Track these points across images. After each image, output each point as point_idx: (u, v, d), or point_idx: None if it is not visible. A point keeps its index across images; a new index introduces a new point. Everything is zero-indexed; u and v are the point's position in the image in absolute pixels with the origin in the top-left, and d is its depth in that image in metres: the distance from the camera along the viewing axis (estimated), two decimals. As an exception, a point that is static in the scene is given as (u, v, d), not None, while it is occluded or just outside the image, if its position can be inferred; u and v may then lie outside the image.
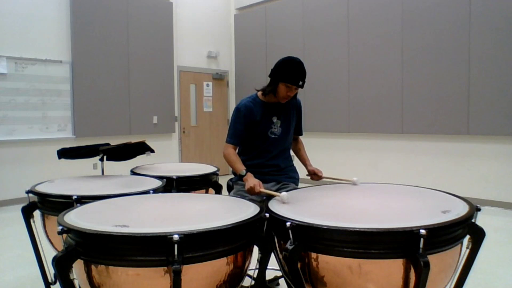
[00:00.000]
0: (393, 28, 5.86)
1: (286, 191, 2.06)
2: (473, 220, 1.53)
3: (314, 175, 2.43)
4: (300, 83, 2.22)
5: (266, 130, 2.40)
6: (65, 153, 2.87)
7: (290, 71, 2.21)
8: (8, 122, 5.54)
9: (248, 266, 1.62)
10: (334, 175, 2.29)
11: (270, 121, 2.41)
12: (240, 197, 2.01)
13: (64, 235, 1.41)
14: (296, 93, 2.39)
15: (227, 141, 2.39)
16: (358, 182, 2.14)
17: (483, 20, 5.07)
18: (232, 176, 2.54)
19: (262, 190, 2.03)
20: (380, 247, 1.34)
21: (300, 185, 2.46)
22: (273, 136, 2.42)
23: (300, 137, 2.68)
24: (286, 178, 2.45)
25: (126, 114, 6.64)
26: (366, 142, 6.40)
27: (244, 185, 2.33)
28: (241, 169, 2.24)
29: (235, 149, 2.39)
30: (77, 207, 1.77)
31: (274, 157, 2.44)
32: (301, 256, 1.47)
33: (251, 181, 2.10)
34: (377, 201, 1.79)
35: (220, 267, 1.43)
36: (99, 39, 6.26)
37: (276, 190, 2.35)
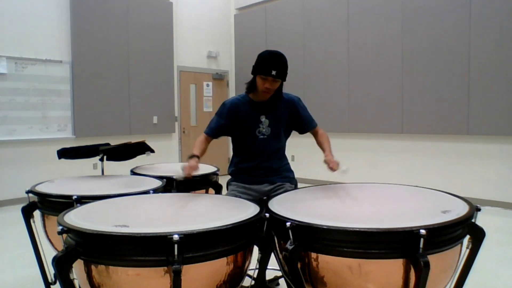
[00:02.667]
0: (393, 28, 5.86)
1: (281, 192, 2.06)
2: (473, 220, 1.53)
3: (328, 166, 2.16)
4: (274, 72, 2.15)
5: (253, 129, 2.34)
6: (65, 153, 2.87)
7: (262, 62, 2.18)
8: (8, 122, 5.54)
9: (248, 266, 1.62)
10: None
11: (258, 120, 2.34)
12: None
13: (64, 235, 1.41)
14: (280, 88, 2.30)
15: (204, 131, 2.36)
16: (347, 170, 2.00)
17: (483, 20, 5.07)
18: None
19: (189, 172, 2.02)
20: (380, 247, 1.34)
21: (300, 185, 2.46)
22: (261, 136, 2.35)
23: (302, 136, 2.55)
24: (279, 179, 2.41)
25: (126, 114, 6.64)
26: (366, 142, 6.40)
27: (237, 186, 2.37)
28: (193, 152, 2.19)
29: (208, 140, 2.34)
30: (77, 207, 1.77)
31: (266, 159, 2.38)
32: (301, 256, 1.47)
33: (189, 162, 2.06)
34: (377, 201, 1.79)
35: (220, 267, 1.43)
36: (99, 39, 6.26)
37: (270, 191, 2.33)
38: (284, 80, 2.28)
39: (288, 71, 2.26)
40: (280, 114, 2.37)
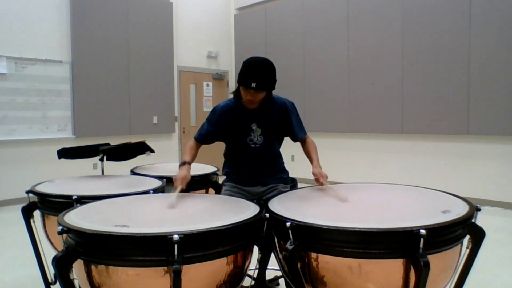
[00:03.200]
0: (393, 28, 5.86)
1: (275, 193, 2.04)
2: (473, 220, 1.53)
3: (317, 180, 2.11)
4: (253, 85, 1.98)
5: (244, 137, 2.24)
6: (65, 153, 2.87)
7: (243, 72, 2.03)
8: (8, 122, 5.54)
9: (248, 266, 1.62)
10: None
11: (249, 128, 2.23)
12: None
13: (64, 235, 1.41)
14: (270, 95, 2.14)
15: (194, 136, 2.31)
16: (345, 199, 1.79)
17: (483, 20, 5.06)
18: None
19: (179, 187, 1.96)
20: (380, 247, 1.34)
21: (300, 185, 2.46)
22: (253, 145, 2.25)
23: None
24: (273, 180, 2.36)
25: (126, 114, 6.64)
26: (366, 142, 6.40)
27: (231, 186, 2.34)
28: (184, 159, 2.16)
29: (198, 146, 2.29)
30: (77, 207, 1.77)
31: (258, 165, 2.31)
32: (301, 256, 1.47)
33: (180, 173, 2.03)
34: (377, 201, 1.79)
35: (220, 267, 1.43)
36: (99, 39, 6.26)
37: (263, 193, 2.31)
38: (272, 90, 2.12)
39: (277, 78, 2.09)
40: (272, 121, 2.25)
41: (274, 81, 2.09)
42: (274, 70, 2.07)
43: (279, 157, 2.43)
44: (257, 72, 2.00)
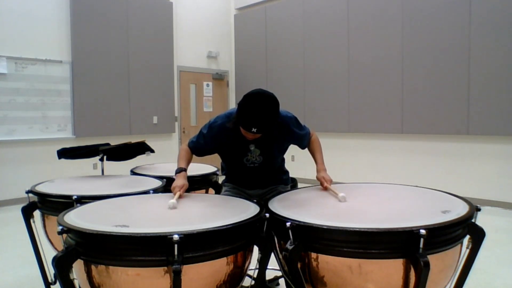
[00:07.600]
0: (393, 28, 5.86)
1: (275, 194, 2.04)
2: (473, 220, 1.53)
3: (321, 185, 2.10)
4: (254, 130, 1.83)
5: (240, 157, 2.15)
6: (65, 153, 2.87)
7: (242, 115, 1.85)
8: (8, 122, 5.54)
9: (248, 266, 1.62)
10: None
11: (246, 148, 2.12)
12: None
13: (64, 235, 1.41)
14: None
15: (188, 143, 2.22)
16: (343, 199, 1.80)
17: (483, 20, 5.06)
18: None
19: (178, 193, 1.90)
20: (380, 247, 1.34)
21: (300, 185, 2.45)
22: (250, 164, 2.17)
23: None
24: (273, 181, 2.34)
25: (126, 114, 6.64)
26: (366, 142, 6.40)
27: (230, 187, 2.34)
28: (180, 166, 2.10)
29: (191, 153, 2.22)
30: (77, 207, 1.77)
31: (257, 179, 2.28)
32: (301, 256, 1.47)
33: (176, 181, 1.97)
34: (377, 201, 1.79)
35: (220, 267, 1.43)
36: (99, 39, 6.26)
37: (263, 194, 2.31)
38: (271, 128, 1.96)
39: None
40: (272, 140, 2.13)
41: (277, 118, 1.93)
42: (277, 109, 1.88)
43: (281, 165, 2.39)
44: (258, 116, 1.83)
